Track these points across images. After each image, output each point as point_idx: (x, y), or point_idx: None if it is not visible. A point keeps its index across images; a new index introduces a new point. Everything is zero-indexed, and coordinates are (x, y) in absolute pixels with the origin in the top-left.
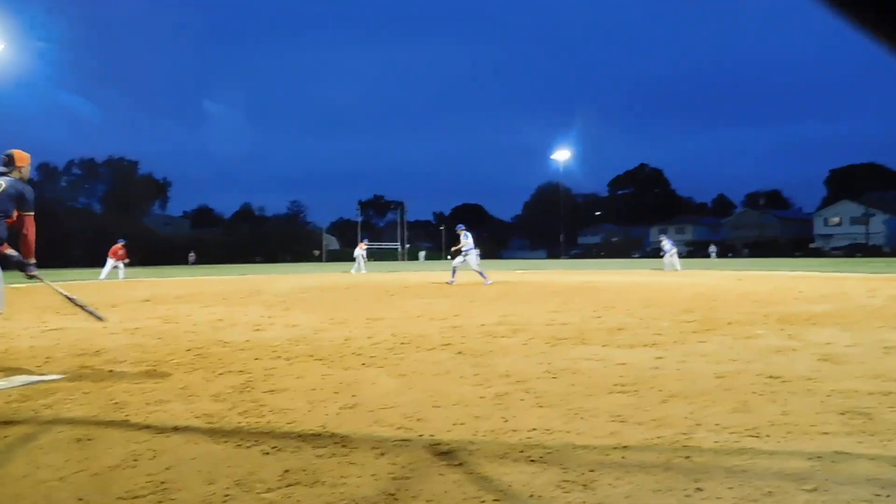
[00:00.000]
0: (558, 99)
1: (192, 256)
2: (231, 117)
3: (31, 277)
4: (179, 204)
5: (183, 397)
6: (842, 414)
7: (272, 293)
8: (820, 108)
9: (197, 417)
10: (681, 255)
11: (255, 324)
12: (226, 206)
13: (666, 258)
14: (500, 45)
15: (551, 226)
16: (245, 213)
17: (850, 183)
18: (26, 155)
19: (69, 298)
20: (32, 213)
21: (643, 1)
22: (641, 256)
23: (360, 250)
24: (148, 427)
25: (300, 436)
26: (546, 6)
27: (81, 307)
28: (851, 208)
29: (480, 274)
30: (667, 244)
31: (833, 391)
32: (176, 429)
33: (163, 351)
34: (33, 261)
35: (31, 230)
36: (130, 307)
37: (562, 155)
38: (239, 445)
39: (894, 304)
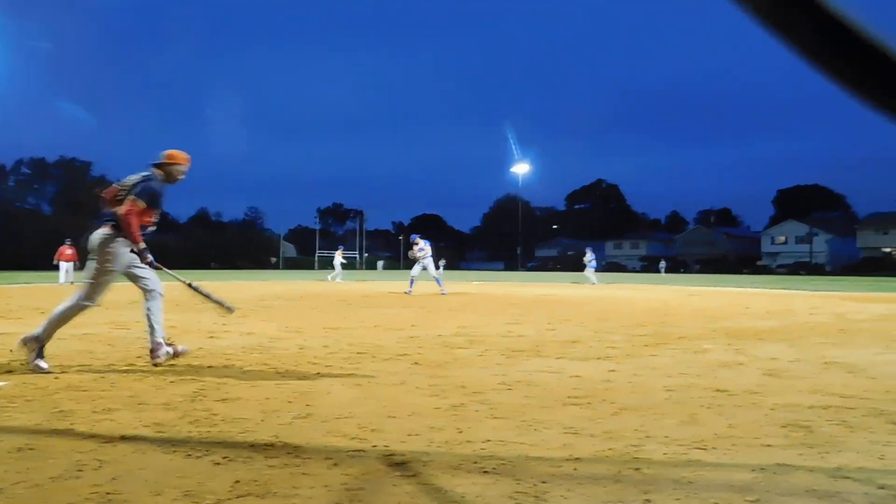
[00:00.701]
0: (519, 113)
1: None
2: (191, 120)
3: (149, 265)
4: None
5: (132, 406)
6: (784, 427)
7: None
8: (770, 130)
9: (146, 426)
10: (634, 270)
11: (210, 331)
12: (182, 210)
13: (586, 271)
14: (461, 58)
15: (509, 238)
16: (202, 218)
17: (795, 203)
18: (177, 154)
19: (193, 288)
20: (135, 199)
21: (601, 23)
22: (597, 271)
23: (339, 257)
24: (94, 436)
25: (252, 446)
26: (509, 21)
27: (207, 297)
28: (796, 228)
29: (437, 282)
30: (588, 256)
31: (776, 405)
32: (123, 438)
33: (112, 357)
34: (141, 246)
35: (127, 214)
36: None
37: (521, 168)
38: (189, 455)
39: (835, 321)
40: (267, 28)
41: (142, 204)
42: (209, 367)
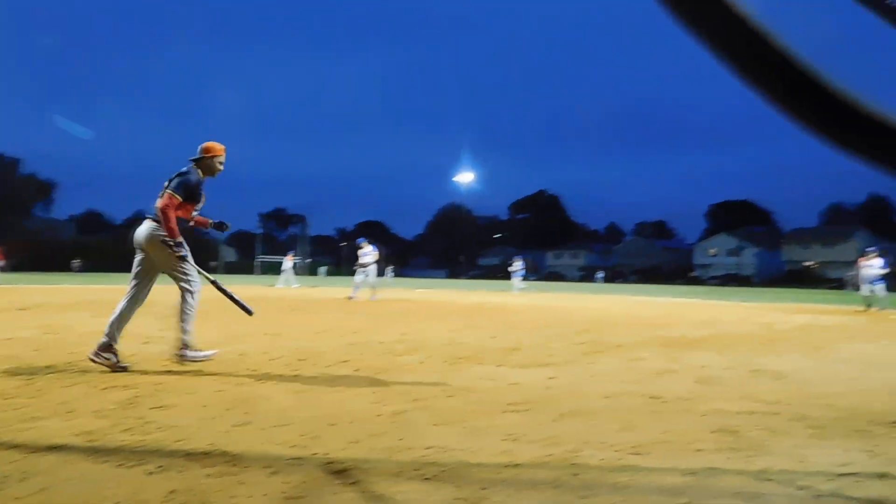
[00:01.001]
0: (464, 123)
1: (76, 263)
2: (128, 120)
3: (180, 258)
4: (66, 207)
5: (61, 414)
6: (714, 432)
7: (164, 304)
8: (704, 147)
9: (76, 435)
10: (574, 279)
11: (145, 336)
12: (117, 211)
13: (512, 279)
14: (408, 66)
15: (452, 246)
16: (138, 219)
17: (726, 217)
18: (213, 145)
19: (217, 286)
20: (172, 193)
21: (545, 38)
22: (538, 279)
23: (289, 262)
24: (19, 446)
25: (188, 454)
26: (456, 31)
27: (230, 297)
28: (727, 241)
29: (372, 288)
30: (517, 265)
31: (707, 411)
32: (51, 448)
33: (40, 363)
34: (178, 240)
35: (164, 208)
36: (6, 316)
37: (465, 177)
38: (121, 465)
39: (762, 330)
40: (207, 26)
41: (178, 198)
42: (144, 373)
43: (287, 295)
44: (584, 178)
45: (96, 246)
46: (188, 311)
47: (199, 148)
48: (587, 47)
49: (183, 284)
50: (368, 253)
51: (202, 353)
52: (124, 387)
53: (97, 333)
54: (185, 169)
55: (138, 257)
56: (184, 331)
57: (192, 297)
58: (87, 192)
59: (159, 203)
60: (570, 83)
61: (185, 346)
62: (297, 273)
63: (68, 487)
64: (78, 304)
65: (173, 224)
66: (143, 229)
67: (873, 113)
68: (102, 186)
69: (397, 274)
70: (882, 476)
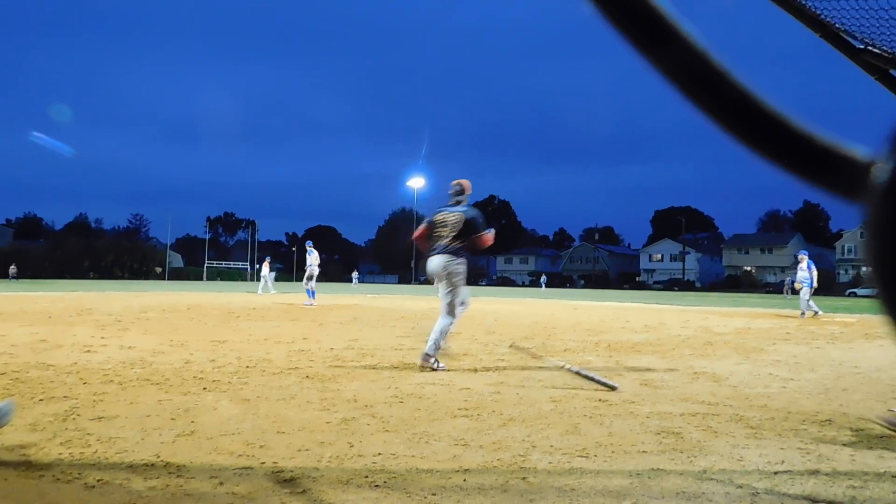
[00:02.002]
0: (415, 129)
1: (12, 270)
2: (70, 121)
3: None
4: (1, 211)
5: None
6: (657, 434)
7: (106, 312)
8: (649, 156)
9: (9, 450)
10: (523, 284)
11: (85, 345)
12: (57, 215)
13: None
14: (359, 73)
15: (403, 251)
16: (79, 224)
17: (670, 224)
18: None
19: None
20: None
21: (494, 48)
22: (488, 284)
23: (267, 268)
24: None
25: (130, 467)
26: (406, 39)
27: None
28: (671, 246)
29: (309, 293)
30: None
31: (651, 413)
32: None
33: None
34: None
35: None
36: None
37: (416, 182)
38: (58, 479)
39: (703, 334)
40: (152, 31)
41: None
42: (84, 383)
43: (214, 302)
44: (535, 185)
45: (33, 252)
46: (444, 327)
47: (464, 187)
48: (534, 58)
49: (450, 301)
50: (310, 254)
51: (437, 365)
52: (63, 397)
53: (30, 343)
54: (468, 207)
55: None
56: (432, 343)
57: (453, 316)
58: (25, 197)
59: (488, 239)
60: (520, 93)
61: (427, 357)
62: (242, 279)
63: None
64: (9, 313)
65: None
66: (442, 260)
67: (795, 128)
68: (42, 190)
69: (343, 280)
70: (814, 473)
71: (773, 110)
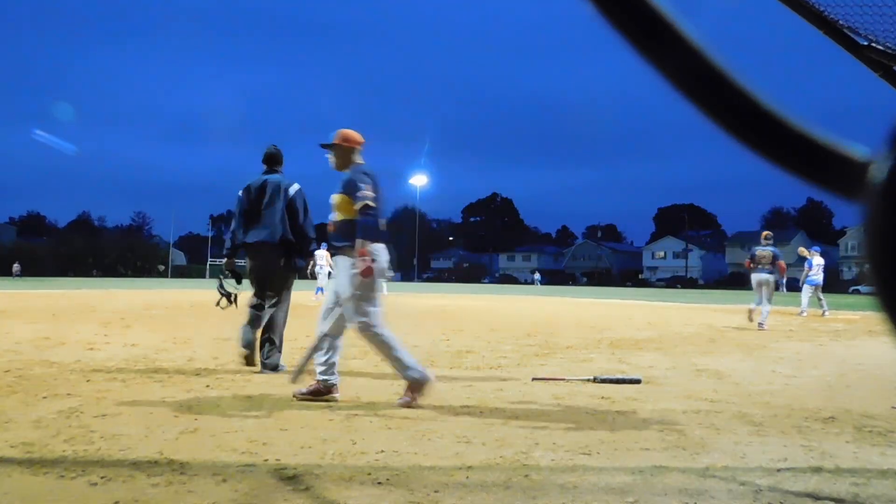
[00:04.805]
0: (418, 126)
1: (16, 268)
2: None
3: None
4: (5, 209)
5: None
6: (660, 431)
7: (109, 310)
8: (651, 152)
9: (13, 447)
10: (526, 282)
11: (89, 342)
12: (60, 214)
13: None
14: (362, 69)
15: (405, 249)
16: (82, 222)
17: (673, 221)
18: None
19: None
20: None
21: (500, 43)
22: (491, 282)
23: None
24: None
25: (134, 464)
26: (409, 35)
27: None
28: (674, 244)
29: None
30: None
31: (653, 410)
32: None
33: None
34: None
35: None
36: None
37: (419, 180)
38: (62, 476)
39: (705, 331)
40: (156, 29)
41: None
42: (87, 381)
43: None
44: (538, 182)
45: (37, 250)
46: None
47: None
48: (537, 55)
49: None
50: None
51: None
52: (66, 395)
53: (33, 341)
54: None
55: None
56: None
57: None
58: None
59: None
60: (523, 90)
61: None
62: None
63: (5, 501)
64: (13, 310)
65: None
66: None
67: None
68: (46, 188)
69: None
70: (817, 470)
71: (773, 109)
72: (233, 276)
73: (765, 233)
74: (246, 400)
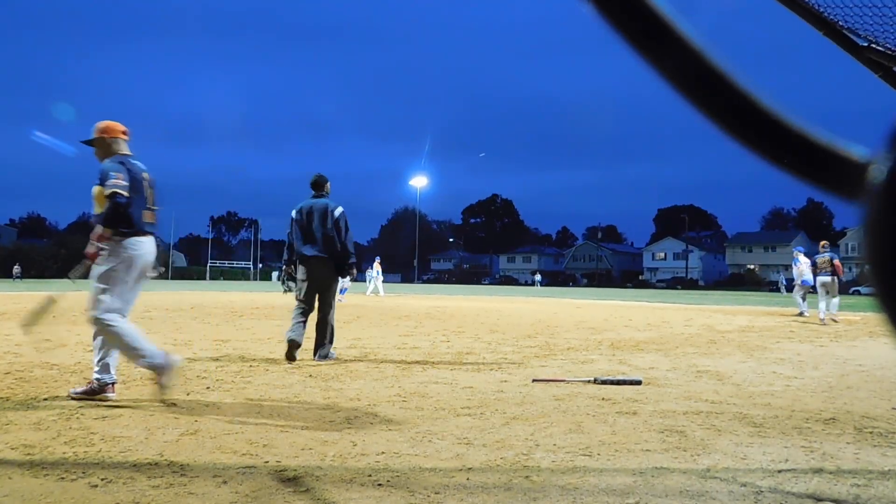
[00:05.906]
0: (418, 128)
1: (16, 269)
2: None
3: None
4: (5, 211)
5: None
6: (660, 432)
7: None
8: (651, 153)
9: (13, 449)
10: (526, 283)
11: (88, 344)
12: (60, 215)
13: (375, 282)
14: (363, 71)
15: (406, 250)
16: (83, 224)
17: (673, 222)
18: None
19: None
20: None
21: (502, 45)
22: (491, 283)
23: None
24: None
25: (134, 465)
26: (411, 37)
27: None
28: (674, 245)
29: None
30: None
31: (654, 412)
32: None
33: None
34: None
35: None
36: None
37: (419, 181)
38: (62, 478)
39: (706, 332)
40: (154, 30)
41: None
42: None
43: (217, 301)
44: (537, 183)
45: (38, 251)
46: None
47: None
48: (537, 56)
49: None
50: None
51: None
52: (66, 397)
53: (34, 342)
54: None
55: None
56: None
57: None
58: (28, 197)
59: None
60: (523, 91)
61: None
62: (246, 278)
63: (6, 503)
64: (13, 312)
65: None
66: None
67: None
68: (47, 190)
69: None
70: (818, 471)
71: (772, 110)
72: (290, 280)
73: (823, 242)
74: (246, 402)
